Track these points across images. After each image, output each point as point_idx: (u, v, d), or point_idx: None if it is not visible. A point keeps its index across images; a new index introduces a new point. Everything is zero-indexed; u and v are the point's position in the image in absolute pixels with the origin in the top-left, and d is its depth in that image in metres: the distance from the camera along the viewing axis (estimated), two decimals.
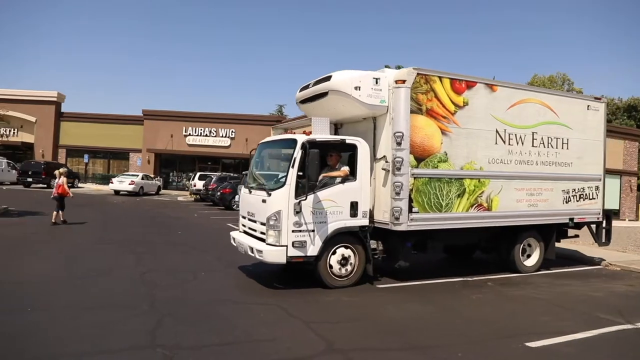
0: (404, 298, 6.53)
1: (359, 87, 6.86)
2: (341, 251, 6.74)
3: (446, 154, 7.25)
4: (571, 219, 8.80)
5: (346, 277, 6.81)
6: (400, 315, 5.76)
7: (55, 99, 36.84)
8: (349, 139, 6.90)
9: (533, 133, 8.20)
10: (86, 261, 8.16)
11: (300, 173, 6.51)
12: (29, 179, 28.07)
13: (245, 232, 7.47)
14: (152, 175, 32.63)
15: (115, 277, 7.06)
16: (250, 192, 7.31)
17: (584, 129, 8.87)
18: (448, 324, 5.46)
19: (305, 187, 6.36)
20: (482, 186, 7.61)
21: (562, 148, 8.59)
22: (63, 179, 12.78)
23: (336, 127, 8.52)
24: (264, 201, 6.65)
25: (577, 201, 8.83)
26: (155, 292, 6.19)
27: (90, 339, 4.39)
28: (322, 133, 6.76)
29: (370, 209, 7.00)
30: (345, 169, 6.88)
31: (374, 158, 7.14)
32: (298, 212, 6.33)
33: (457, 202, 7.36)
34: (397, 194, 6.83)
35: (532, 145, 8.20)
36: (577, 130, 8.74)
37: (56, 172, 12.97)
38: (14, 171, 29.18)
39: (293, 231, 6.36)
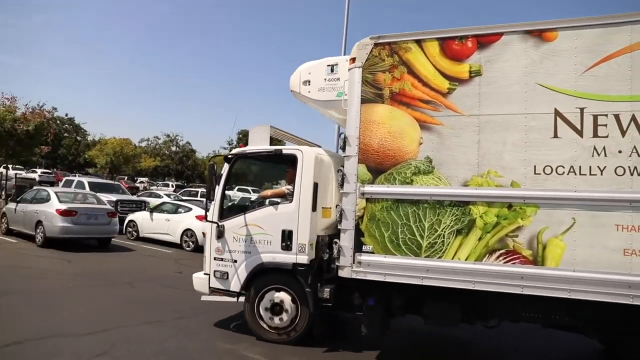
0: None
1: (309, 81, 5.28)
2: (273, 295, 5.13)
3: (430, 161, 4.39)
4: None
5: (280, 331, 5.09)
6: None
7: None
8: (287, 149, 5.29)
9: None
10: None
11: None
12: None
13: None
14: None
15: None
16: None
17: None
18: None
19: (232, 207, 5.43)
20: (517, 217, 4.07)
21: None
22: None
23: None
24: None
25: None
26: None
27: None
28: (258, 144, 5.51)
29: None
30: (286, 188, 5.31)
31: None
32: (219, 237, 5.38)
33: (457, 243, 4.24)
34: (339, 222, 4.67)
35: None
36: None
37: None
38: None
39: (215, 258, 5.43)
